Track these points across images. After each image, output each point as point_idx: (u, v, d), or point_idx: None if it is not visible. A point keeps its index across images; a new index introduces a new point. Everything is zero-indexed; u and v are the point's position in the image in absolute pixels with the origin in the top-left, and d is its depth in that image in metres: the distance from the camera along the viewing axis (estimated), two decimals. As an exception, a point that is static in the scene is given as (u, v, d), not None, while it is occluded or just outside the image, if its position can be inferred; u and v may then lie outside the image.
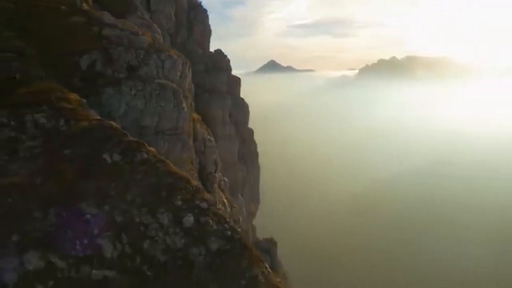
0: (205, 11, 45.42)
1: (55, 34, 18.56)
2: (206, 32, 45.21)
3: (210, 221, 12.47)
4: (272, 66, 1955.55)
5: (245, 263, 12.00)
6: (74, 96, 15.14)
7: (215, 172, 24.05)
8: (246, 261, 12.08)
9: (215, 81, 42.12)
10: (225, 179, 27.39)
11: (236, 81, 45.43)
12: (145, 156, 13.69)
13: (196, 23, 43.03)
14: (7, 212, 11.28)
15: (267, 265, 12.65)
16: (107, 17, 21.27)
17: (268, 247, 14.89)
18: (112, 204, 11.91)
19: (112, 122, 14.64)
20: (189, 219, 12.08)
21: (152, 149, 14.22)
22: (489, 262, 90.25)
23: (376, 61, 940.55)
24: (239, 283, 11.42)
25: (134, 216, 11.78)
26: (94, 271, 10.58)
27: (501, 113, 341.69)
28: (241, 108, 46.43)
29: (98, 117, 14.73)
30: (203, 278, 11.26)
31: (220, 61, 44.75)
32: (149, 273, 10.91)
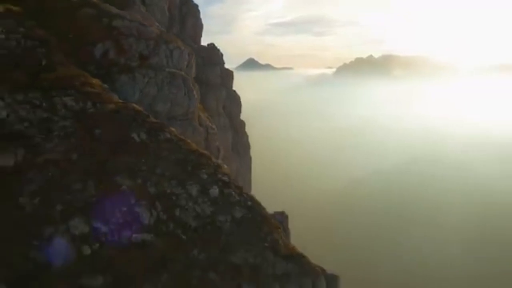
0: (196, 6, 46.53)
1: (69, 24, 19.35)
2: (198, 27, 46.29)
3: (233, 192, 13.71)
4: (251, 64, 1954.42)
5: (265, 229, 13.28)
6: (96, 81, 16.09)
7: (217, 158, 25.13)
8: (266, 227, 13.37)
9: (209, 74, 43.26)
10: (225, 166, 28.38)
11: (229, 74, 46.81)
12: (168, 135, 14.80)
13: (188, 17, 44.05)
14: (49, 185, 12.25)
15: (283, 233, 13.96)
16: (114, 9, 22.10)
17: (281, 220, 15.58)
18: (144, 177, 13.00)
19: (135, 105, 15.68)
20: (214, 190, 13.28)
21: (173, 129, 15.33)
22: (464, 261, 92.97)
23: (353, 59, 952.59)
24: (262, 246, 12.69)
25: (165, 188, 12.90)
26: (134, 235, 11.68)
27: (476, 111, 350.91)
28: (234, 100, 47.77)
29: (121, 101, 15.74)
30: (231, 242, 12.48)
31: (214, 54, 45.97)
32: (183, 237, 12.08)
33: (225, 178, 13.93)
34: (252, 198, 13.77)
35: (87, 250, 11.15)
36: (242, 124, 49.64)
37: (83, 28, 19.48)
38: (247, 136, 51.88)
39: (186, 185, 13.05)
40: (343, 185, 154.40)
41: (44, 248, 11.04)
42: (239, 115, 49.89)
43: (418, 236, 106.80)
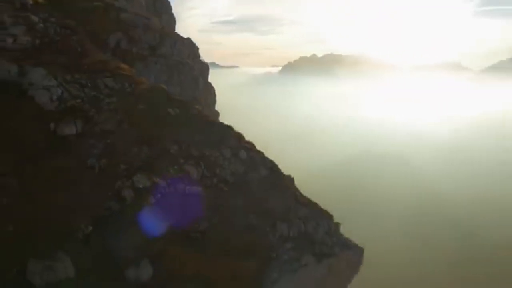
0: (168, 2, 48.03)
1: (84, 16, 21.08)
2: (172, 21, 47.80)
3: (255, 155, 16.62)
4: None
5: (285, 184, 16.36)
6: (125, 65, 18.28)
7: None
8: (285, 182, 16.45)
9: (188, 67, 45.21)
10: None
11: (205, 66, 48.62)
12: (195, 111, 17.41)
13: (162, 12, 45.47)
14: (109, 149, 14.52)
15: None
16: (117, 3, 23.95)
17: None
18: (186, 143, 15.57)
19: (162, 85, 18.12)
20: (243, 153, 16.13)
21: (197, 106, 17.95)
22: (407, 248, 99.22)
23: (298, 58, 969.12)
24: (286, 196, 15.74)
25: (205, 151, 15.57)
26: (187, 187, 14.29)
27: (415, 108, 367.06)
28: (210, 91, 49.66)
29: (149, 82, 18.09)
30: (260, 192, 15.41)
31: (194, 48, 47.52)
32: (225, 189, 14.85)
33: (248, 145, 16.81)
34: (271, 161, 16.76)
35: (151, 199, 13.64)
36: (217, 114, 51.95)
37: (96, 20, 21.37)
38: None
39: (220, 149, 15.79)
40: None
41: (115, 198, 13.43)
42: (214, 105, 52.14)
43: (360, 233, 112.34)
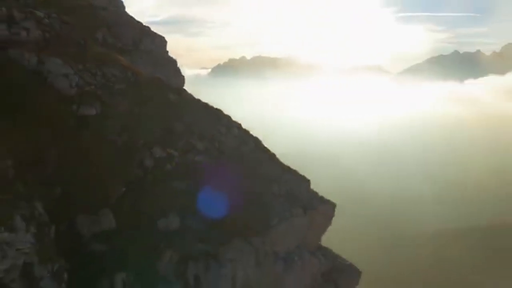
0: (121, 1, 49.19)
1: (71, 13, 22.75)
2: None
3: (244, 132, 19.81)
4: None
5: (268, 154, 19.71)
6: (121, 57, 20.57)
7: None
8: (268, 153, 19.80)
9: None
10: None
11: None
12: (190, 96, 20.22)
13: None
14: (127, 127, 16.95)
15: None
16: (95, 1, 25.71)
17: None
18: (188, 122, 18.38)
19: (156, 75, 20.68)
20: (235, 130, 19.26)
21: (189, 92, 20.77)
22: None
23: (227, 60, 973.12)
24: (271, 164, 19.09)
25: (204, 128, 18.49)
26: (196, 157, 17.16)
27: (341, 109, 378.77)
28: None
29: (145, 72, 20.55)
30: (252, 162, 18.61)
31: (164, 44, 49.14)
32: (224, 159, 17.90)
33: (237, 123, 19.97)
34: (256, 137, 20.04)
35: (168, 167, 16.39)
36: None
37: (82, 17, 23.19)
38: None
39: (217, 127, 18.81)
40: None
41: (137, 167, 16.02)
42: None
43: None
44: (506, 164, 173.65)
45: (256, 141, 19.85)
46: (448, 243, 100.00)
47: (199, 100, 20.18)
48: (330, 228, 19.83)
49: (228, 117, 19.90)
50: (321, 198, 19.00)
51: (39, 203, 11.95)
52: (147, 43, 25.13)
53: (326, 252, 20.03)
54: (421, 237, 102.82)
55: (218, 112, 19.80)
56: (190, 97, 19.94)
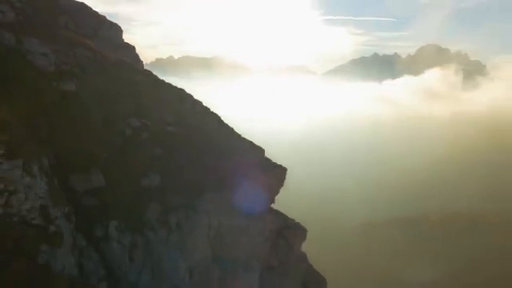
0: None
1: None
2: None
3: (205, 109, 22.41)
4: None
5: (227, 128, 22.50)
6: (90, 41, 22.18)
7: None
8: (227, 127, 22.58)
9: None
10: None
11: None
12: (155, 77, 22.41)
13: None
14: (103, 100, 18.86)
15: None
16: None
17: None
18: (158, 99, 20.61)
19: (124, 58, 22.58)
20: (199, 107, 21.81)
21: (153, 73, 22.92)
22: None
23: (154, 60, 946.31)
24: (230, 134, 21.91)
25: (173, 104, 20.83)
26: (167, 127, 19.51)
27: (270, 110, 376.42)
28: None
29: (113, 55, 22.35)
30: (214, 132, 21.29)
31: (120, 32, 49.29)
32: (192, 130, 20.41)
33: (200, 102, 22.53)
34: (214, 113, 22.74)
35: (144, 135, 18.63)
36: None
37: (45, 3, 24.29)
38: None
39: (183, 103, 21.27)
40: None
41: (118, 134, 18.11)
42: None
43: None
44: (416, 163, 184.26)
45: (217, 117, 22.56)
46: (372, 234, 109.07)
47: (163, 80, 22.44)
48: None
49: (190, 96, 22.39)
50: (274, 163, 22.17)
51: (45, 159, 13.86)
52: (105, 30, 26.70)
53: (277, 213, 23.25)
54: (347, 230, 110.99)
55: (181, 92, 22.21)
56: (155, 77, 22.12)
